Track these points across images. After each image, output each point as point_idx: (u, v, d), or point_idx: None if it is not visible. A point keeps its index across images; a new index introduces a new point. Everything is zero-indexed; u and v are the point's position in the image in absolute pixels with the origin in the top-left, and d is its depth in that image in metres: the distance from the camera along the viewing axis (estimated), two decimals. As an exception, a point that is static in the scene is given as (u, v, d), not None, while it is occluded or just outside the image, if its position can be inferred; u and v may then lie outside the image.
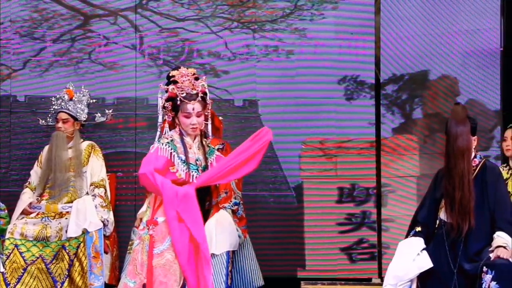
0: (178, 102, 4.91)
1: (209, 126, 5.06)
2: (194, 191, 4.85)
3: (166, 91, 4.97)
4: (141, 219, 5.96)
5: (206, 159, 5.01)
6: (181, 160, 4.92)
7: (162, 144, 4.92)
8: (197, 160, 4.97)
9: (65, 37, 7.28)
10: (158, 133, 5.07)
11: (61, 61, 7.27)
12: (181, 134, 4.99)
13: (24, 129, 7.19)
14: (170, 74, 4.98)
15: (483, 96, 7.16)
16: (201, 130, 5.05)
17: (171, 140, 4.94)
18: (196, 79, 4.98)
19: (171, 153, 4.91)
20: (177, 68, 5.04)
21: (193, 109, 4.93)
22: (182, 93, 4.91)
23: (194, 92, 4.93)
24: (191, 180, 4.93)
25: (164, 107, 4.98)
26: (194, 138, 5.03)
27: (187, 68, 5.01)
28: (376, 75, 7.30)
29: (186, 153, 4.93)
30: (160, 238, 4.86)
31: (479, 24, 7.18)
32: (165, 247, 4.84)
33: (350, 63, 7.29)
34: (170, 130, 5.02)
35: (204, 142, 5.06)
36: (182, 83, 4.93)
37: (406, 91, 7.26)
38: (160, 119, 5.05)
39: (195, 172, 4.94)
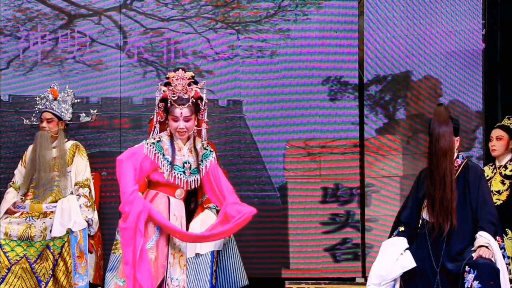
0: (169, 105, 4.91)
1: (204, 131, 5.04)
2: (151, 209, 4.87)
3: (161, 90, 4.96)
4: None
5: (199, 163, 5.00)
6: (167, 161, 4.93)
7: (148, 144, 4.92)
8: (185, 162, 4.96)
9: (49, 36, 7.27)
10: (154, 129, 5.06)
11: (45, 60, 7.26)
12: (171, 136, 4.99)
13: (8, 129, 7.17)
14: (167, 75, 4.97)
15: (466, 96, 7.22)
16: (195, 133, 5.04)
17: (158, 141, 4.93)
18: (191, 83, 4.94)
19: (155, 154, 4.91)
20: (176, 70, 5.01)
21: (181, 114, 4.90)
22: (174, 96, 4.89)
23: (186, 96, 4.90)
24: (177, 183, 4.93)
25: (158, 107, 4.97)
26: (186, 141, 5.03)
27: (185, 71, 4.99)
28: (360, 76, 7.34)
29: (173, 154, 4.93)
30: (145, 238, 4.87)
31: (461, 25, 7.23)
32: (149, 246, 4.85)
33: (334, 63, 7.32)
34: (161, 131, 5.02)
35: (198, 146, 5.04)
36: (175, 86, 4.90)
37: (389, 91, 7.30)
38: (155, 117, 5.03)
39: (182, 174, 4.94)
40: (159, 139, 4.94)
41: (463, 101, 7.20)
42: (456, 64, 7.22)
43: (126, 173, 4.81)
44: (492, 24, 7.25)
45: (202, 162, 4.99)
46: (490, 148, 6.51)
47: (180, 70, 4.97)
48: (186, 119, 4.91)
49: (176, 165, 4.92)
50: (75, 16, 7.29)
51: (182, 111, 4.89)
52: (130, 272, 4.73)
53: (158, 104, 4.96)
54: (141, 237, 4.76)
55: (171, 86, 4.91)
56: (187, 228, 5.16)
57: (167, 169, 4.90)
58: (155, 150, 4.89)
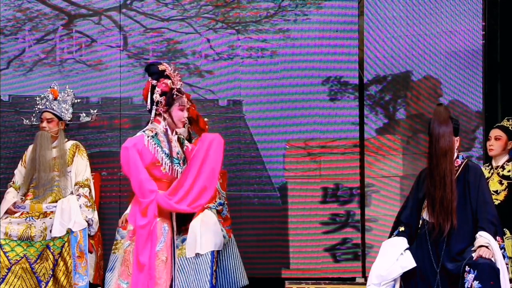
0: (175, 96, 4.91)
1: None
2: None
3: (155, 86, 4.93)
4: (126, 219, 5.98)
5: (183, 151, 5.03)
6: (165, 153, 4.92)
7: (147, 136, 4.90)
8: (177, 153, 4.99)
9: (49, 36, 7.28)
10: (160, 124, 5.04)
11: (45, 60, 7.26)
12: (165, 129, 4.98)
13: (8, 129, 7.17)
14: (161, 69, 4.95)
15: (466, 96, 7.22)
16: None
17: (155, 134, 4.93)
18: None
19: (154, 147, 4.90)
20: (158, 63, 4.98)
21: (187, 102, 4.97)
22: (174, 88, 4.93)
23: (180, 86, 4.98)
24: (176, 176, 4.93)
25: (158, 102, 4.95)
26: (173, 132, 5.02)
27: (165, 64, 5.00)
28: (360, 76, 7.34)
29: (170, 147, 4.93)
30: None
31: (461, 25, 7.24)
32: (159, 248, 4.84)
33: (333, 63, 7.33)
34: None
35: (178, 135, 5.08)
36: (174, 77, 4.94)
37: (389, 92, 7.31)
38: (153, 114, 4.99)
39: (178, 166, 4.94)
40: (155, 132, 4.93)
41: (463, 101, 7.21)
42: (456, 64, 7.22)
43: (136, 160, 4.80)
44: (492, 24, 7.26)
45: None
46: (487, 147, 6.52)
47: (163, 63, 4.98)
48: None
49: (173, 157, 4.92)
50: (75, 16, 7.30)
51: (186, 100, 4.95)
52: (144, 276, 4.72)
53: (158, 99, 4.93)
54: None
55: (170, 78, 4.92)
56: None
57: (166, 163, 4.90)
58: (154, 143, 4.89)
